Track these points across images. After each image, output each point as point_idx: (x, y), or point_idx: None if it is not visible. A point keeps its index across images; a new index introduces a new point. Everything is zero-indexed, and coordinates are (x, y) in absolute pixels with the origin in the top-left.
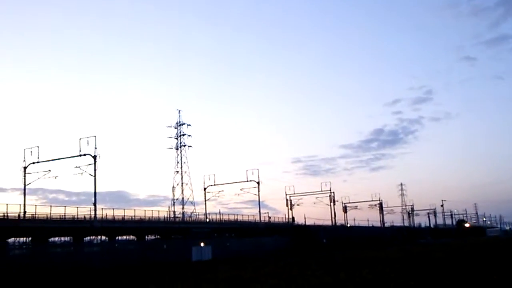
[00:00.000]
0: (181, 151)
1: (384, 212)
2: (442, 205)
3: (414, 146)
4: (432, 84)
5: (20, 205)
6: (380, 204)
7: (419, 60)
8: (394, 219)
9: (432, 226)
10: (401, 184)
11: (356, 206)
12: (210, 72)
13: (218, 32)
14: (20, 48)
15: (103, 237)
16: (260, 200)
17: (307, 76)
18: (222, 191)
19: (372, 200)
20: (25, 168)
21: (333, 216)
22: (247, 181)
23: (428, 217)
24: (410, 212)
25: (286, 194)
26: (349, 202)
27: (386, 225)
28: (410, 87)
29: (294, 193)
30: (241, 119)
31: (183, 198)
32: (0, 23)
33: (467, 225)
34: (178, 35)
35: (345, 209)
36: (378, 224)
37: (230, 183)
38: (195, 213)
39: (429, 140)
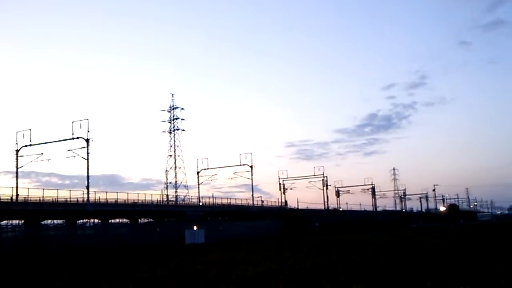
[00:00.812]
0: (174, 135)
1: (377, 197)
2: (434, 190)
3: (408, 131)
4: (427, 68)
5: (12, 188)
6: (373, 189)
7: (415, 44)
8: (387, 203)
9: (424, 210)
10: (394, 169)
11: (349, 191)
12: (204, 55)
13: (212, 14)
14: (13, 29)
15: (96, 220)
16: (253, 184)
17: (302, 59)
18: (215, 175)
19: (365, 185)
20: (17, 151)
21: (325, 200)
22: (240, 165)
23: (420, 201)
24: (402, 196)
25: (279, 178)
26: (342, 187)
27: (378, 209)
28: (406, 71)
29: (287, 177)
30: (234, 103)
31: (176, 182)
32: None
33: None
34: (172, 17)
35: (337, 194)
36: (370, 208)
37: (224, 167)
38: (188, 197)
39: (423, 125)
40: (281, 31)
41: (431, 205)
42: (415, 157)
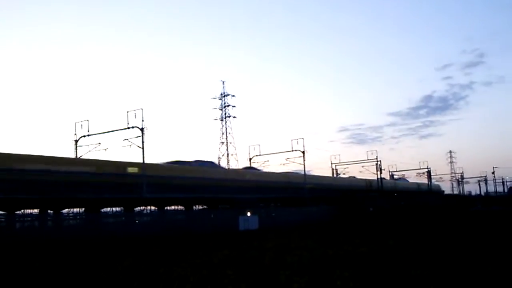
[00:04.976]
0: (226, 122)
1: (433, 181)
2: (493, 172)
3: (465, 112)
4: (485, 46)
5: None
6: (429, 172)
7: (471, 22)
8: (443, 187)
9: (483, 194)
10: (450, 152)
11: (404, 175)
12: (254, 41)
13: (260, 1)
14: (68, 21)
15: (153, 208)
16: (306, 169)
17: (354, 42)
18: (268, 161)
19: (420, 168)
20: (76, 141)
21: (379, 185)
22: (292, 150)
23: (479, 184)
24: (459, 180)
25: (331, 163)
26: (396, 171)
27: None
28: (462, 50)
29: (340, 162)
30: (286, 88)
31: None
32: None
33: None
34: (221, 4)
35: (392, 178)
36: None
37: (276, 153)
38: None
39: (481, 105)
40: (332, 13)
41: (490, 188)
42: (473, 139)
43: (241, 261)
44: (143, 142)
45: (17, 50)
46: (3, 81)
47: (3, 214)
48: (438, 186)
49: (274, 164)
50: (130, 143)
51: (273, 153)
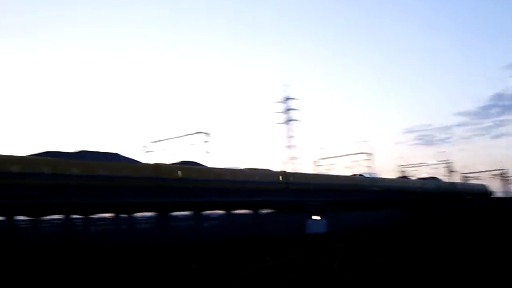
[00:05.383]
0: (289, 125)
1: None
2: None
3: None
4: None
5: None
6: (504, 174)
7: None
8: None
9: None
10: None
11: (476, 177)
12: (317, 42)
13: (323, 3)
14: (140, 25)
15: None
16: (372, 171)
17: (419, 41)
18: (333, 164)
19: (494, 170)
20: (145, 146)
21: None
22: (358, 153)
23: None
24: None
25: (399, 166)
26: (468, 172)
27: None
28: None
29: (407, 164)
30: (349, 90)
31: None
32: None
33: None
34: (284, 8)
35: (463, 180)
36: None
37: (341, 156)
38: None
39: None
40: (397, 13)
41: None
42: None
43: (310, 265)
44: (208, 147)
45: (101, 53)
46: (83, 87)
47: (80, 218)
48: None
49: (339, 166)
50: (197, 148)
51: (338, 156)
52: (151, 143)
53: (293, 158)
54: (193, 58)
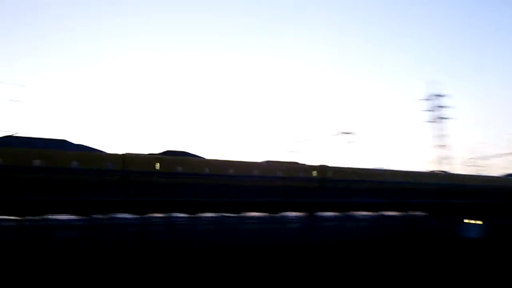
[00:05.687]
0: (439, 124)
1: None
2: None
3: None
4: None
5: None
6: None
7: None
8: None
9: None
10: None
11: None
12: (465, 37)
13: None
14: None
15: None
16: None
17: None
18: (484, 164)
19: None
20: (285, 147)
21: None
22: None
23: None
24: None
25: None
26: None
27: None
28: None
29: None
30: (507, 83)
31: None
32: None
33: None
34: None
35: None
36: None
37: (497, 156)
38: None
39: None
40: None
41: None
42: None
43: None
44: (354, 147)
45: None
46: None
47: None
48: None
49: (495, 166)
50: (342, 148)
51: (493, 156)
52: (294, 143)
53: (445, 157)
54: (337, 59)
